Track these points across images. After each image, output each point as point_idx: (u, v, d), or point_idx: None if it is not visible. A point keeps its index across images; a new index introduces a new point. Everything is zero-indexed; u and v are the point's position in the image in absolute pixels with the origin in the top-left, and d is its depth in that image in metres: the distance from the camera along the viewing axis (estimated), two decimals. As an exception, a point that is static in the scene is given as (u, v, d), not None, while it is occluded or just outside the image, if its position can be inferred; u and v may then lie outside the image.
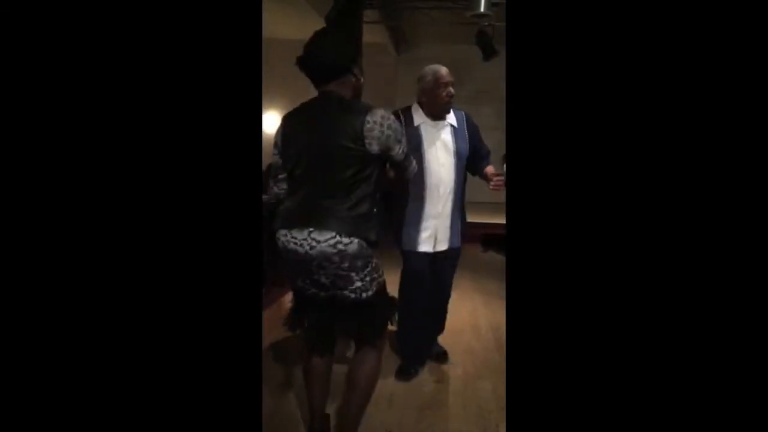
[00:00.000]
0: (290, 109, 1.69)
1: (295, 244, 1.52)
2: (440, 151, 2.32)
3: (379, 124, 1.53)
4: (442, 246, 2.40)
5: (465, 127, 2.40)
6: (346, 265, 1.52)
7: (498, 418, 2.12)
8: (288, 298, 3.81)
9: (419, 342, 2.56)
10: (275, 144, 1.66)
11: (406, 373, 2.49)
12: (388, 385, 2.39)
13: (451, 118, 2.37)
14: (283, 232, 1.56)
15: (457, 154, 2.34)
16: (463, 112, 2.44)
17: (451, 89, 2.29)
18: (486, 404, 2.25)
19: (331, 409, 1.94)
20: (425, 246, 2.38)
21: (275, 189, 1.71)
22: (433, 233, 2.37)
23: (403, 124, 2.24)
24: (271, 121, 9.72)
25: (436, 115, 2.32)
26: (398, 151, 1.60)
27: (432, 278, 2.43)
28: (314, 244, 1.50)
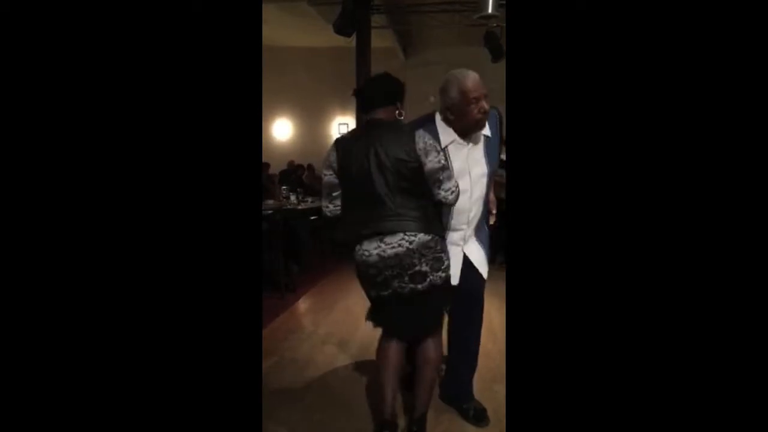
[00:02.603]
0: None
1: (393, 247, 1.75)
2: (470, 174, 1.96)
3: (422, 138, 1.78)
4: (469, 275, 2.08)
5: (497, 132, 2.02)
6: (439, 247, 1.82)
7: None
8: (302, 306, 3.83)
9: (460, 384, 2.26)
10: (329, 165, 1.87)
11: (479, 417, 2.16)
12: (403, 391, 2.38)
13: (485, 127, 1.98)
14: (373, 244, 1.77)
15: (489, 174, 2.01)
16: (496, 111, 2.01)
17: (485, 104, 1.86)
18: (501, 408, 2.23)
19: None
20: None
21: (330, 206, 1.91)
22: (458, 263, 2.05)
23: None
24: (283, 127, 9.80)
25: (470, 133, 1.94)
26: (434, 158, 1.78)
27: (459, 311, 2.14)
28: (412, 238, 1.75)
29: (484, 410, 2.20)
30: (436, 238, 1.80)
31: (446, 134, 1.93)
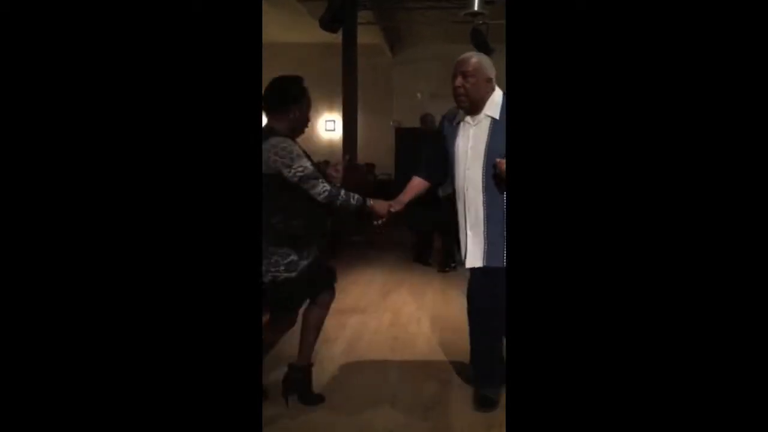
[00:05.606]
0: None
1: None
2: (469, 150, 2.06)
3: (268, 150, 1.88)
4: (492, 262, 2.05)
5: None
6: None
7: (501, 417, 2.11)
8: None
9: (490, 365, 2.20)
10: (302, 156, 1.98)
11: (484, 404, 2.18)
12: (390, 386, 2.39)
13: (493, 108, 2.03)
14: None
15: (488, 153, 1.99)
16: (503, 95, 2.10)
17: (460, 79, 2.01)
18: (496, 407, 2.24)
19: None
20: (471, 261, 2.11)
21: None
22: (476, 245, 2.08)
23: (444, 125, 2.21)
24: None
25: (467, 109, 2.08)
26: (289, 173, 1.90)
27: (483, 298, 2.13)
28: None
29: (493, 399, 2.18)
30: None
31: (461, 113, 2.12)
